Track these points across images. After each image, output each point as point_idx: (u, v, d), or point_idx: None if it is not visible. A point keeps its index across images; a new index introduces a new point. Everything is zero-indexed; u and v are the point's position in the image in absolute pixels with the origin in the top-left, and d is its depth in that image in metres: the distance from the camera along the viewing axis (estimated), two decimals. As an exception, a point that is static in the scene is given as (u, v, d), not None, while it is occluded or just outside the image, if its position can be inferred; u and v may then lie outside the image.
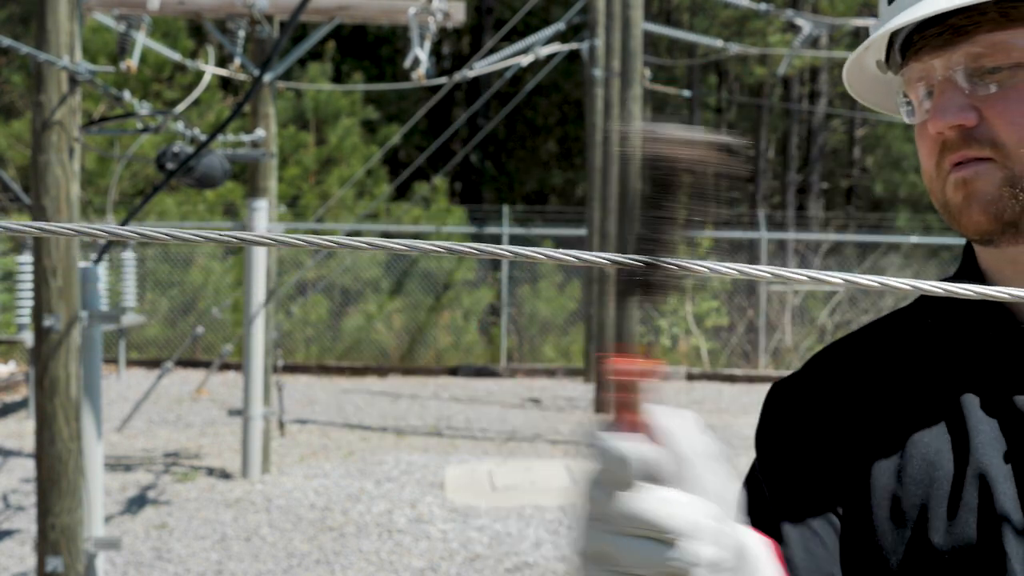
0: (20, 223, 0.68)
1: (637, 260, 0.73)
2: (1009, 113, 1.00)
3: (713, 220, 0.74)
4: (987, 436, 1.02)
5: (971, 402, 1.04)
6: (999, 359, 1.05)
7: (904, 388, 1.09)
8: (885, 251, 16.35)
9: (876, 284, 0.77)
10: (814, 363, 1.17)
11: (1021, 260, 1.04)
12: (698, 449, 0.75)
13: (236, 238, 0.70)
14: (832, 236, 16.94)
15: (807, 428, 1.11)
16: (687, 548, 0.72)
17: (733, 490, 0.78)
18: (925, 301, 1.15)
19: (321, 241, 0.71)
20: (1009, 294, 0.78)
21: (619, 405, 0.73)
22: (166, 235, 0.69)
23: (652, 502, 0.72)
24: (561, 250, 0.76)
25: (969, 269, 1.11)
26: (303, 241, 0.70)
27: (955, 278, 1.13)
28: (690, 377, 13.99)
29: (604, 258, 0.75)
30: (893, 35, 1.07)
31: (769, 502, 1.10)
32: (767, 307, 15.14)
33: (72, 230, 0.68)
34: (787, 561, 1.05)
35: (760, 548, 0.85)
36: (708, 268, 0.78)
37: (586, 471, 0.74)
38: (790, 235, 16.46)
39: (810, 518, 1.08)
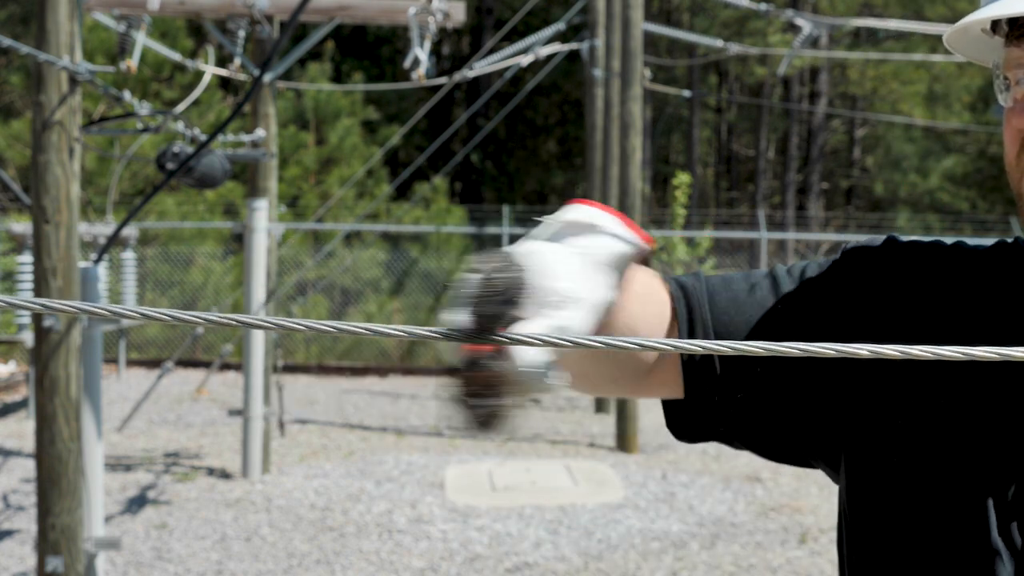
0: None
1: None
2: None
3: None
4: None
5: None
6: None
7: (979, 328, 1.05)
8: (885, 251, 16.34)
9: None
10: (918, 248, 1.14)
11: None
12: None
13: (238, 321, 0.70)
14: (832, 236, 16.93)
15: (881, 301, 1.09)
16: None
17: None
18: (1007, 252, 1.13)
19: (319, 326, 0.71)
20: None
21: None
22: (167, 316, 0.69)
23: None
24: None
25: None
26: (302, 325, 0.71)
27: None
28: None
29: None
30: None
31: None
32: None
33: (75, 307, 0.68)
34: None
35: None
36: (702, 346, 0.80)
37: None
38: (790, 235, 16.46)
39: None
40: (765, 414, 1.12)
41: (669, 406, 1.15)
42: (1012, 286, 1.08)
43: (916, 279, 1.10)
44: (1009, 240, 1.13)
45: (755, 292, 1.12)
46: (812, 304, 1.12)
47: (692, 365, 1.10)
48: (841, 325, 1.09)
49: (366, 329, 0.71)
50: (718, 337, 1.09)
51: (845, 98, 25.41)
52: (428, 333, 0.73)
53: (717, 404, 1.12)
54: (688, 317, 1.11)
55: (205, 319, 0.70)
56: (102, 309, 0.69)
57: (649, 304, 1.09)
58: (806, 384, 1.09)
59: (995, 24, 1.05)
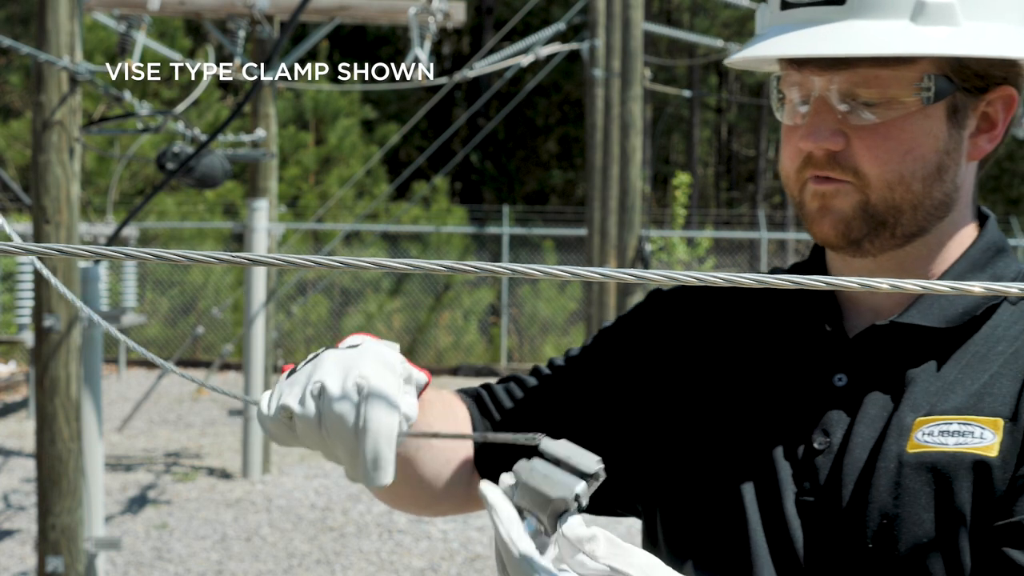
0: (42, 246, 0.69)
1: (629, 273, 0.74)
2: (876, 148, 1.05)
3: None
4: (802, 410, 1.10)
5: (794, 377, 1.12)
6: (821, 346, 1.13)
7: (747, 344, 1.18)
8: (885, 251, 16.34)
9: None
10: (687, 293, 1.27)
11: (854, 265, 1.13)
12: None
13: (246, 259, 0.70)
14: (832, 236, 16.92)
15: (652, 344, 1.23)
16: None
17: None
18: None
19: (328, 261, 0.71)
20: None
21: None
22: (182, 257, 0.69)
23: None
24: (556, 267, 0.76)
25: (817, 260, 1.20)
26: (311, 262, 0.71)
27: (803, 267, 1.22)
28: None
29: (599, 272, 0.76)
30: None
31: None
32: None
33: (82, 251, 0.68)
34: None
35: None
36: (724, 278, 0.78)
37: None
38: (790, 235, 16.45)
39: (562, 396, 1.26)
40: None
41: None
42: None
43: (711, 307, 1.23)
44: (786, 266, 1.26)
45: (554, 373, 1.28)
46: (615, 346, 1.27)
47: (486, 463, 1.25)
48: (642, 357, 1.23)
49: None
50: (509, 415, 1.28)
51: (845, 98, 25.41)
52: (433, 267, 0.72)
53: None
54: (480, 413, 1.28)
55: (216, 257, 0.69)
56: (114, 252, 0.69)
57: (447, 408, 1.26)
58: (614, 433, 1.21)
59: None
